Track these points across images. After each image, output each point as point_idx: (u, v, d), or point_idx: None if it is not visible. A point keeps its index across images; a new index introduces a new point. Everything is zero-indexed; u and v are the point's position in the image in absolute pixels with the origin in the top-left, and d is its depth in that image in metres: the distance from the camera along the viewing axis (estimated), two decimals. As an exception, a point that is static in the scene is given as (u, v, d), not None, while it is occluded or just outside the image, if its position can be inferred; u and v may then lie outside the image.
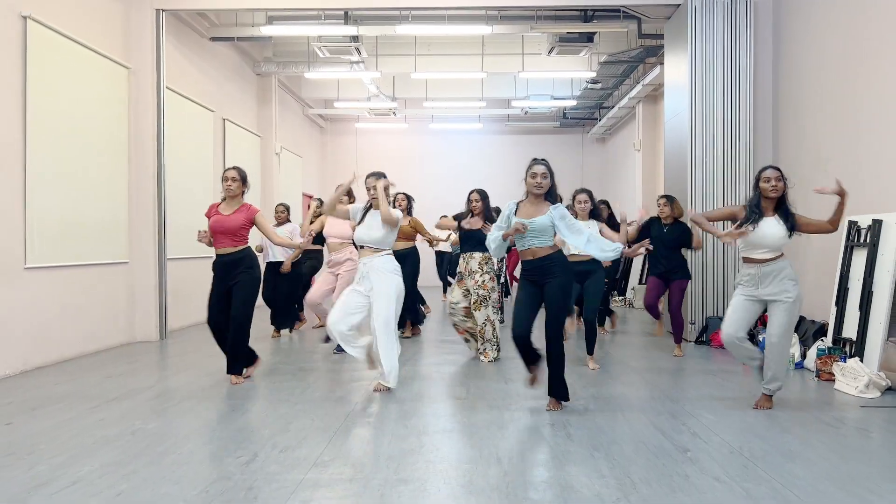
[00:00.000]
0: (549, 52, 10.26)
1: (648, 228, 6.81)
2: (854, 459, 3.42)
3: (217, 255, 5.25)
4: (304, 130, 15.61)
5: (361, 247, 5.01)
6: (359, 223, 5.04)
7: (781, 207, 4.52)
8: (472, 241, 6.32)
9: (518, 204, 4.47)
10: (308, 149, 15.74)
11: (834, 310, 5.87)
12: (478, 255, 6.28)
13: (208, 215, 5.31)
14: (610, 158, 16.88)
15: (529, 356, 4.45)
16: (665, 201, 6.72)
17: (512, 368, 5.88)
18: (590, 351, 5.96)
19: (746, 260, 4.56)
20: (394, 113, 15.32)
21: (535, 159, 4.48)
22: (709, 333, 7.32)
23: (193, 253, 8.97)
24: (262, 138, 12.25)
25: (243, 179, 5.31)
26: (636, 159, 13.44)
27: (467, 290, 6.30)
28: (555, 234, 4.39)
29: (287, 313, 8.01)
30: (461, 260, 6.43)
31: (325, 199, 6.50)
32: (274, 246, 7.54)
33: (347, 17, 9.38)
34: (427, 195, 13.51)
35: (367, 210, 5.09)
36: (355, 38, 9.92)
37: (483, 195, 6.42)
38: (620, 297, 11.86)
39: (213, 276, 5.26)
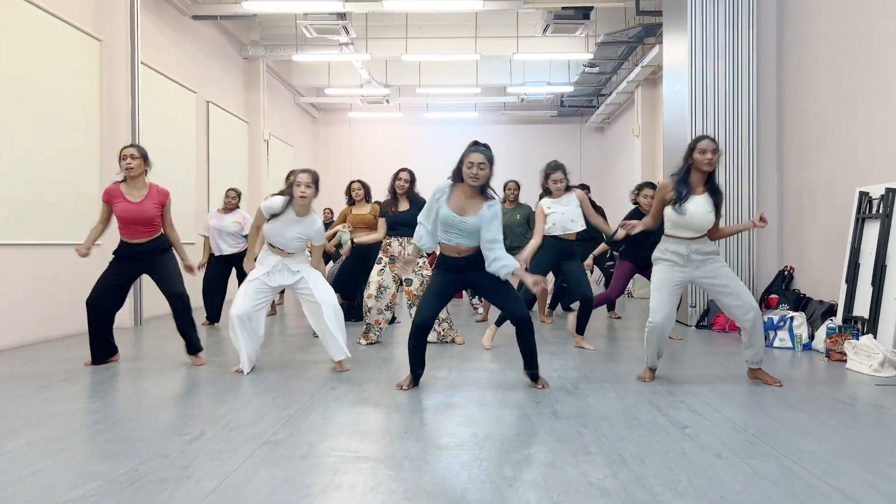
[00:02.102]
0: (544, 30, 9.89)
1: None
2: (870, 435, 3.05)
3: (127, 244, 4.76)
4: (296, 119, 15.26)
5: (272, 245, 4.53)
6: (272, 219, 4.47)
7: (710, 183, 4.07)
8: (403, 224, 5.68)
9: (451, 189, 3.90)
10: (300, 138, 15.39)
11: (844, 287, 5.50)
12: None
13: (110, 201, 4.70)
14: (608, 147, 16.53)
15: (421, 353, 4.02)
16: (654, 192, 5.99)
17: (501, 351, 5.52)
18: (581, 330, 5.60)
19: (672, 237, 4.13)
20: (387, 101, 14.96)
21: (475, 143, 3.89)
22: (710, 317, 6.95)
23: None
24: (250, 124, 11.89)
25: (144, 157, 4.78)
26: (635, 145, 13.08)
27: (396, 275, 5.80)
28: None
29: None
30: (394, 243, 5.76)
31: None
32: (220, 237, 7.24)
33: (334, -8, 9.03)
34: (422, 186, 13.15)
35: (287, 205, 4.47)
36: (343, 17, 9.56)
37: (412, 177, 5.85)
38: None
39: (113, 261, 4.80)
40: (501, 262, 3.80)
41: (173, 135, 8.85)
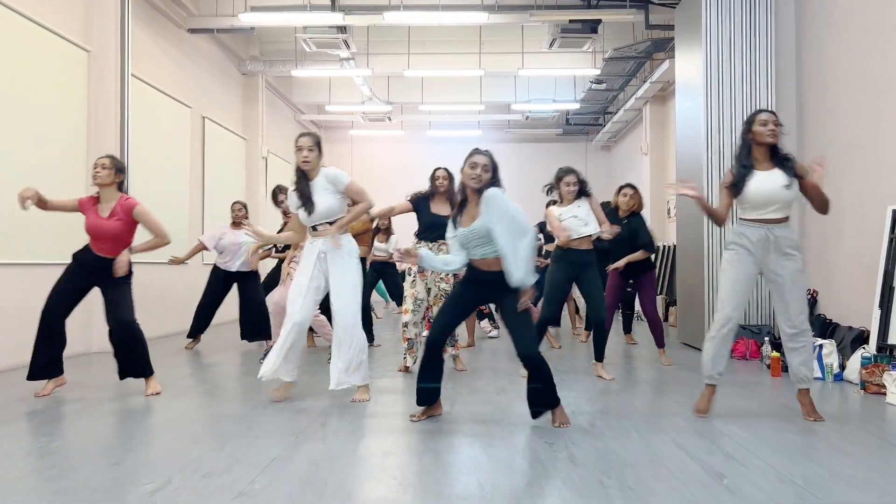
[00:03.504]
0: (551, 45, 9.59)
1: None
2: (939, 489, 2.65)
3: (91, 251, 4.48)
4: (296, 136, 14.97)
5: (314, 228, 4.25)
6: (301, 206, 4.22)
7: (777, 157, 3.76)
8: (439, 227, 5.10)
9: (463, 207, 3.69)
10: (300, 156, 15.07)
11: (877, 313, 5.10)
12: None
13: (83, 209, 4.47)
14: (615, 167, 16.18)
15: (434, 374, 3.69)
16: (633, 192, 6.02)
17: (504, 378, 5.12)
18: (599, 357, 5.20)
19: (749, 221, 3.78)
20: (389, 118, 14.68)
21: (476, 149, 3.68)
22: (729, 343, 6.54)
23: (160, 258, 8.26)
24: (248, 140, 11.59)
25: (118, 169, 4.48)
26: (643, 164, 12.74)
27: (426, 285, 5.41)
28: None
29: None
30: (423, 249, 5.39)
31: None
32: (237, 255, 6.90)
33: (334, 4, 8.75)
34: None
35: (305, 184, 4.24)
36: (343, 30, 9.27)
37: (451, 175, 5.51)
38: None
39: (72, 264, 4.51)
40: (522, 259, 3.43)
41: (166, 150, 8.52)
